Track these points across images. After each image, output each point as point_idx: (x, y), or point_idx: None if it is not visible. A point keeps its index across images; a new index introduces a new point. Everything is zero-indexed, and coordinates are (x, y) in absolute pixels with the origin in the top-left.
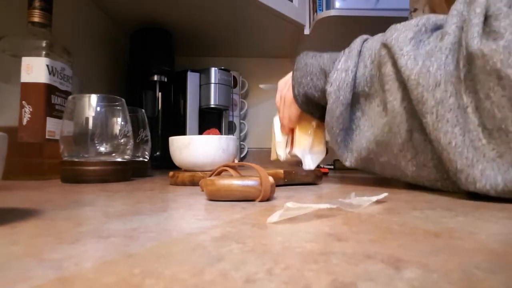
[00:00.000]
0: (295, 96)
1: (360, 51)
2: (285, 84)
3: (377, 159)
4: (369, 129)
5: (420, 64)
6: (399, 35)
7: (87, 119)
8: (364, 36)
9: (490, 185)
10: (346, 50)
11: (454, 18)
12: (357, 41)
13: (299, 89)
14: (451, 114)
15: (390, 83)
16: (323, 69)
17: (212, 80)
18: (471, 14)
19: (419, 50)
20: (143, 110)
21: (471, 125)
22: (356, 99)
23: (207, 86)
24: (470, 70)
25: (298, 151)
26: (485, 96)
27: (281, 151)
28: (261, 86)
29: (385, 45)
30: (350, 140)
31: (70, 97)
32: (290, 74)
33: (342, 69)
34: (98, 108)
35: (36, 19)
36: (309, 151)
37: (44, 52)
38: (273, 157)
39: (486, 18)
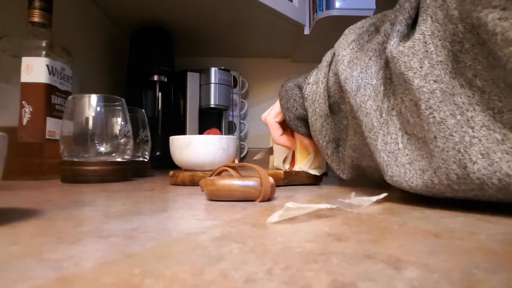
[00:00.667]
0: (289, 123)
1: (331, 61)
2: (268, 112)
3: (360, 164)
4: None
5: (349, 68)
6: (342, 39)
7: (87, 119)
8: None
9: (402, 188)
10: (319, 65)
11: (392, 14)
12: (327, 54)
13: (289, 114)
14: (367, 118)
15: (345, 86)
16: (300, 86)
17: (212, 80)
18: (400, 10)
19: (358, 53)
20: (143, 110)
21: (392, 128)
22: (338, 109)
23: (207, 86)
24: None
25: (298, 168)
26: (401, 100)
27: (280, 164)
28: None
29: (334, 52)
30: (344, 150)
31: (70, 97)
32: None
33: (313, 81)
34: (98, 108)
35: (36, 19)
36: (308, 169)
37: (44, 52)
38: (271, 166)
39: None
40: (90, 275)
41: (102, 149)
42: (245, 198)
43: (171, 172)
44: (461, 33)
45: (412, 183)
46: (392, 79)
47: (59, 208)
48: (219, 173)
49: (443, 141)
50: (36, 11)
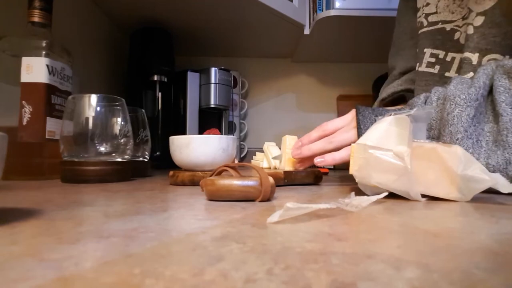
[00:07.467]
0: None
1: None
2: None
3: None
4: None
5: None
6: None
7: (87, 119)
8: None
9: None
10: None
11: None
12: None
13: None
14: None
15: None
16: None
17: (212, 80)
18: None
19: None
20: (143, 110)
21: None
22: None
23: (207, 86)
24: None
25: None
26: None
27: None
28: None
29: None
30: None
31: (70, 97)
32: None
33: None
34: (98, 108)
35: (36, 19)
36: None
37: (44, 52)
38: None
39: None
40: (90, 275)
41: (102, 149)
42: (245, 198)
43: (171, 172)
44: None
45: None
46: None
47: (59, 208)
48: (219, 173)
49: None
50: (36, 11)
